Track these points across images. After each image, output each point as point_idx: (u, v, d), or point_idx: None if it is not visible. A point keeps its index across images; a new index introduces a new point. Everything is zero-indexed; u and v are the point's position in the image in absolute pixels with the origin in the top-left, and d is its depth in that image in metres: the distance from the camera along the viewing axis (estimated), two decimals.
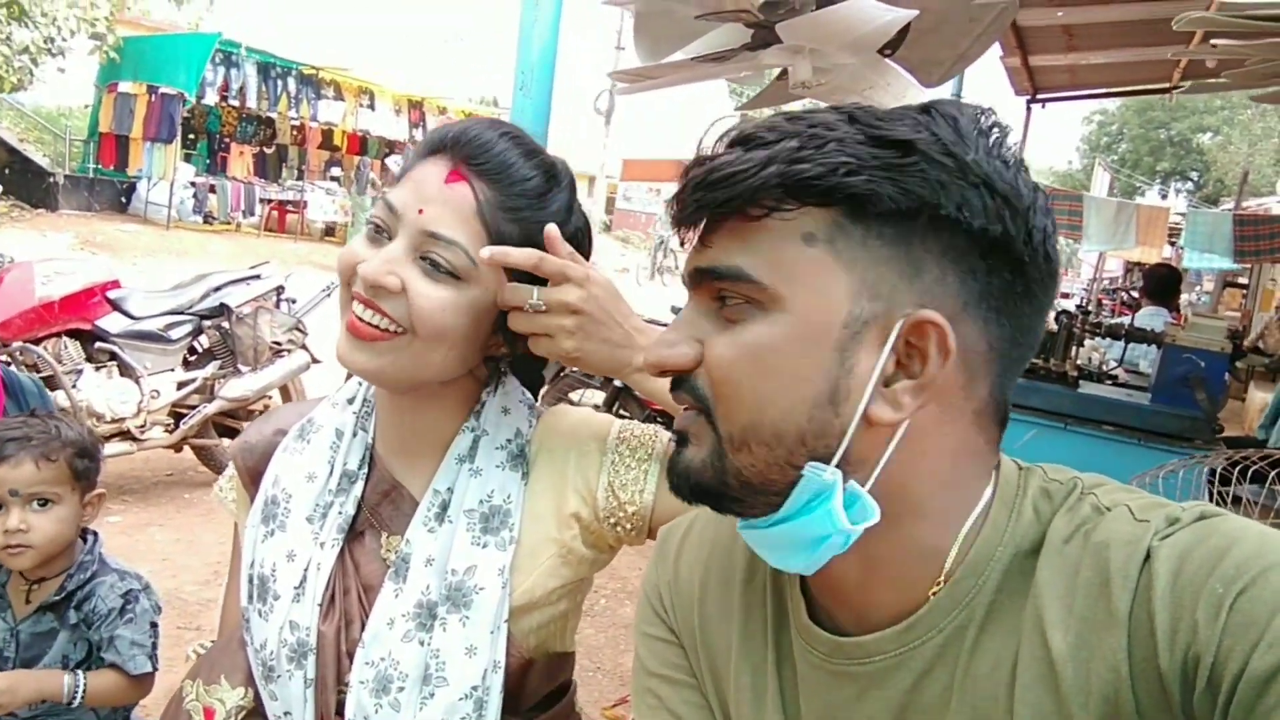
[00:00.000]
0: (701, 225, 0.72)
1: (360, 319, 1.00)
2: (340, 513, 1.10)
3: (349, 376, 1.18)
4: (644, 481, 1.10)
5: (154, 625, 1.83)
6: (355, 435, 1.14)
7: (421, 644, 1.03)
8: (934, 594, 0.71)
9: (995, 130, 0.69)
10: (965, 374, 0.69)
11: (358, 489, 1.11)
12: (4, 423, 1.76)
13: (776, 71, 1.75)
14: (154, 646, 1.82)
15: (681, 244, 0.75)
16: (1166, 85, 8.45)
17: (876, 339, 0.67)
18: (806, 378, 0.68)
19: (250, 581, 1.11)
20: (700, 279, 0.73)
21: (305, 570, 1.07)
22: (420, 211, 0.99)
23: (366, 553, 1.10)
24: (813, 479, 0.68)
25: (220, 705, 1.10)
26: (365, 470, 1.12)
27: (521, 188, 1.02)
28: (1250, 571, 0.59)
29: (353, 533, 1.11)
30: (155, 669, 1.82)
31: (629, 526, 1.10)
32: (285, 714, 1.07)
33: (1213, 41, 2.83)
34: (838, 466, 0.67)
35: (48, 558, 1.73)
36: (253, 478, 1.17)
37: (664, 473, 1.06)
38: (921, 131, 0.66)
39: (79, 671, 1.73)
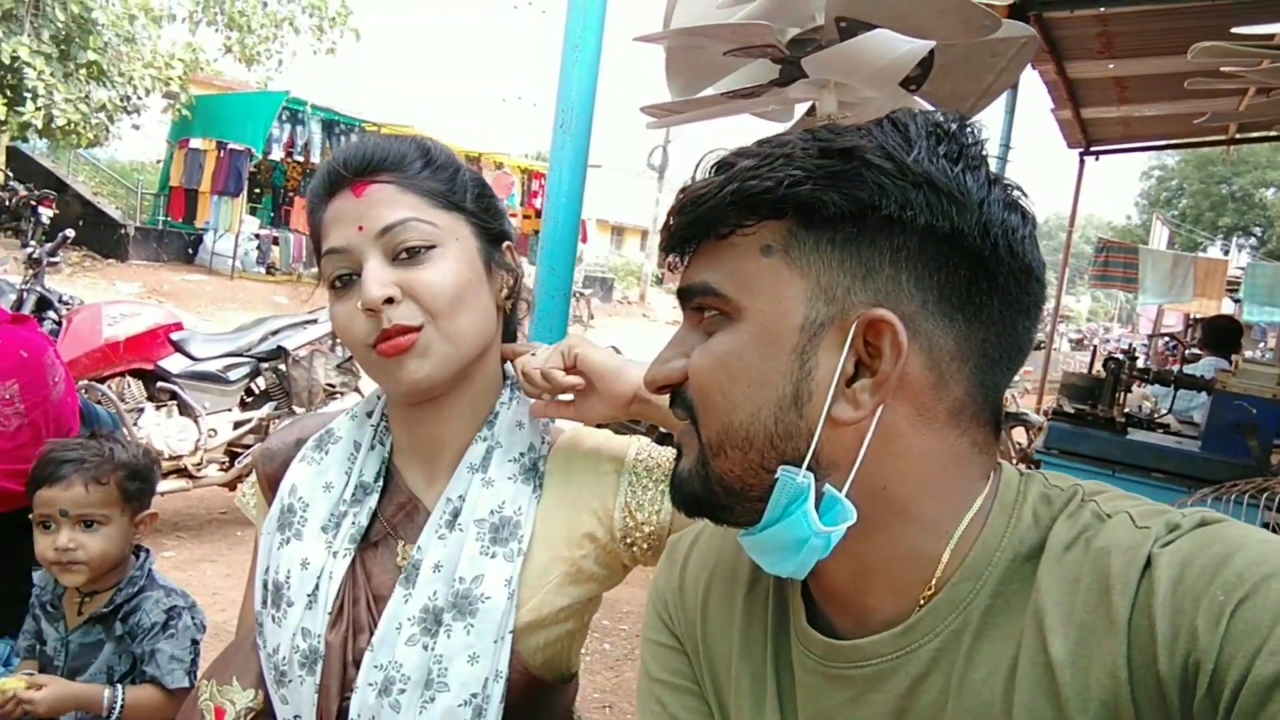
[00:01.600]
0: (690, 251, 0.76)
1: (390, 341, 1.03)
2: (354, 523, 1.12)
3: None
4: (661, 502, 1.11)
5: (195, 643, 1.87)
6: (373, 449, 1.16)
7: (425, 648, 1.04)
8: (928, 598, 0.72)
9: (951, 133, 0.70)
10: (934, 373, 0.70)
11: (372, 500, 1.13)
12: (61, 443, 1.82)
13: (805, 106, 1.80)
14: (194, 663, 1.86)
15: (670, 270, 0.81)
16: (1223, 137, 8.37)
17: (835, 341, 0.69)
18: (769, 381, 0.70)
19: (265, 587, 1.12)
20: (682, 298, 0.77)
21: (318, 579, 1.09)
22: (360, 229, 1.03)
23: (380, 563, 1.11)
24: (787, 482, 0.69)
25: (231, 705, 1.12)
26: (381, 483, 1.15)
27: (410, 157, 1.07)
28: (1252, 579, 0.58)
29: (368, 543, 1.12)
30: (193, 685, 1.86)
31: (645, 546, 1.11)
32: (295, 717, 1.08)
33: (1221, 68, 2.82)
34: (810, 469, 0.69)
35: (98, 574, 1.79)
36: (271, 484, 1.20)
37: None
38: (866, 139, 0.69)
39: (119, 685, 1.77)
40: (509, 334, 1.20)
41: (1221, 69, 2.84)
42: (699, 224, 0.73)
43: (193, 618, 1.90)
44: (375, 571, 1.11)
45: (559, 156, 1.84)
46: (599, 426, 1.20)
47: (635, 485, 1.12)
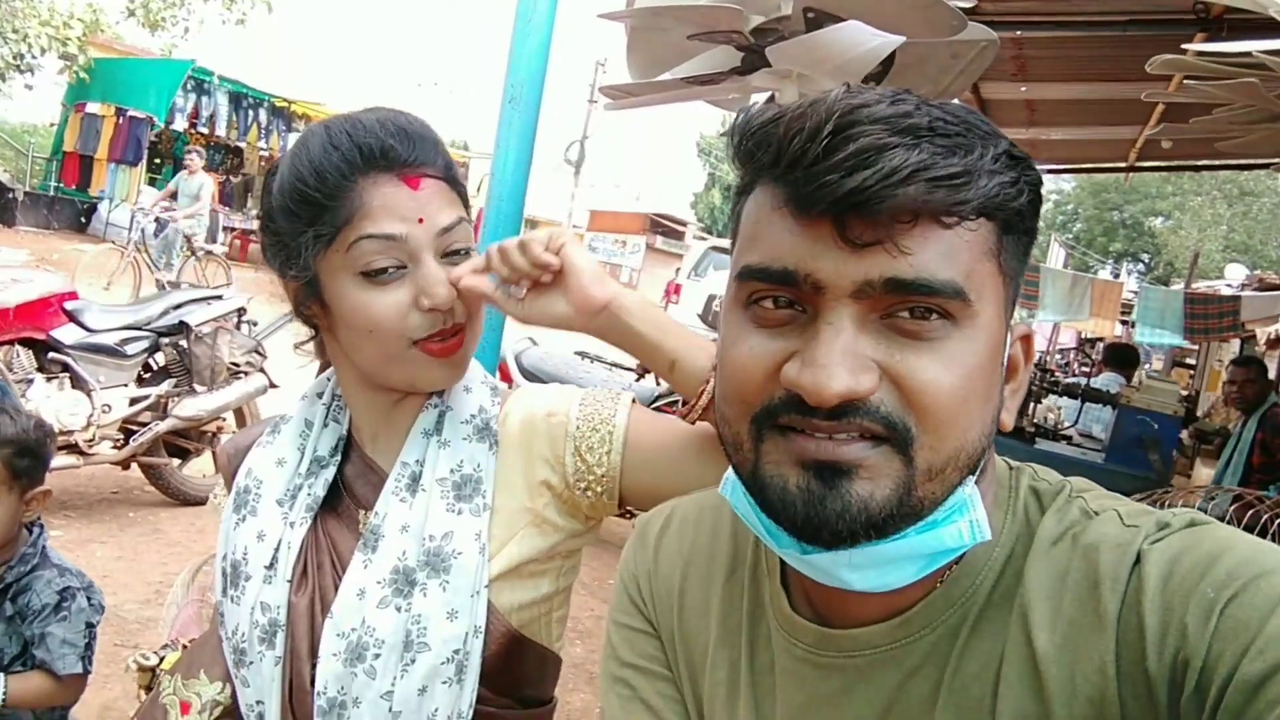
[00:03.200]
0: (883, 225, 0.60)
1: (443, 341, 1.05)
2: (309, 494, 1.11)
3: (321, 372, 1.19)
4: (610, 443, 1.11)
5: (90, 626, 1.76)
6: (326, 425, 1.16)
7: (399, 609, 1.03)
8: (929, 591, 0.71)
9: None
10: None
11: (328, 473, 1.13)
12: None
13: (764, 97, 1.78)
14: (88, 648, 1.75)
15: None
16: (1123, 165, 8.73)
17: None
18: (993, 395, 0.67)
19: (224, 574, 1.11)
20: (884, 289, 0.61)
21: (276, 550, 1.09)
22: (421, 221, 1.02)
23: (343, 530, 1.11)
24: (959, 493, 0.66)
25: (196, 699, 1.12)
26: (339, 457, 1.14)
27: (440, 149, 1.08)
28: (1242, 577, 0.59)
29: (332, 512, 1.12)
30: (88, 670, 1.75)
31: (599, 490, 1.11)
32: (257, 702, 1.06)
33: (1185, 81, 2.92)
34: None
35: None
36: (233, 478, 1.19)
37: (629, 435, 1.09)
38: (1009, 144, 0.64)
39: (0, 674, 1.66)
40: None
41: (1185, 81, 2.93)
42: (961, 204, 0.60)
43: (89, 599, 1.79)
44: (339, 539, 1.10)
45: (507, 134, 1.77)
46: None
47: (584, 428, 1.12)
